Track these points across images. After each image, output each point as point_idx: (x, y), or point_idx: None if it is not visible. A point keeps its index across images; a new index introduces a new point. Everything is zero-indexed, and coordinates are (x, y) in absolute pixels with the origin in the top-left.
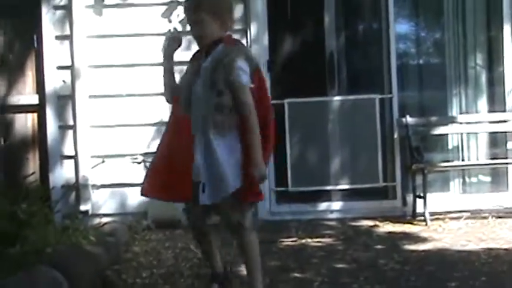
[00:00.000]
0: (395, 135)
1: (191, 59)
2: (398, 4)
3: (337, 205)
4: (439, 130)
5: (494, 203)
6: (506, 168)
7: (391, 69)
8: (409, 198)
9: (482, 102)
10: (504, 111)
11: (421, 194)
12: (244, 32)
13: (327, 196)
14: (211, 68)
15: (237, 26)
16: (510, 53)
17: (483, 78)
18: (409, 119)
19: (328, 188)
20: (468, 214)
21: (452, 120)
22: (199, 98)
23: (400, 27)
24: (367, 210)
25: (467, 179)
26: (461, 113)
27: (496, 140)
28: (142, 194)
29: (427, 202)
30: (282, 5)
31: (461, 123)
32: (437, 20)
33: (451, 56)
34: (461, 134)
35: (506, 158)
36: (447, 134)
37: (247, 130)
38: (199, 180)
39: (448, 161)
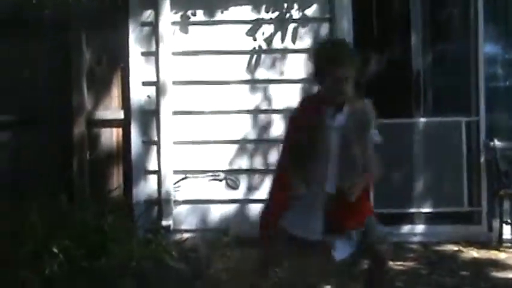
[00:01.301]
0: (482, 159)
1: (306, 113)
2: (488, 23)
3: (420, 228)
4: None
5: None
6: None
7: (479, 91)
8: (495, 223)
9: None
10: None
11: (509, 220)
12: None
13: (410, 219)
14: (354, 125)
15: None
16: None
17: None
18: (497, 143)
19: (412, 210)
20: None
21: None
22: (334, 155)
23: (488, 47)
24: (451, 234)
25: None
26: None
27: None
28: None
29: None
30: (368, 25)
31: None
32: None
33: None
34: None
35: None
36: None
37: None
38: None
39: None
